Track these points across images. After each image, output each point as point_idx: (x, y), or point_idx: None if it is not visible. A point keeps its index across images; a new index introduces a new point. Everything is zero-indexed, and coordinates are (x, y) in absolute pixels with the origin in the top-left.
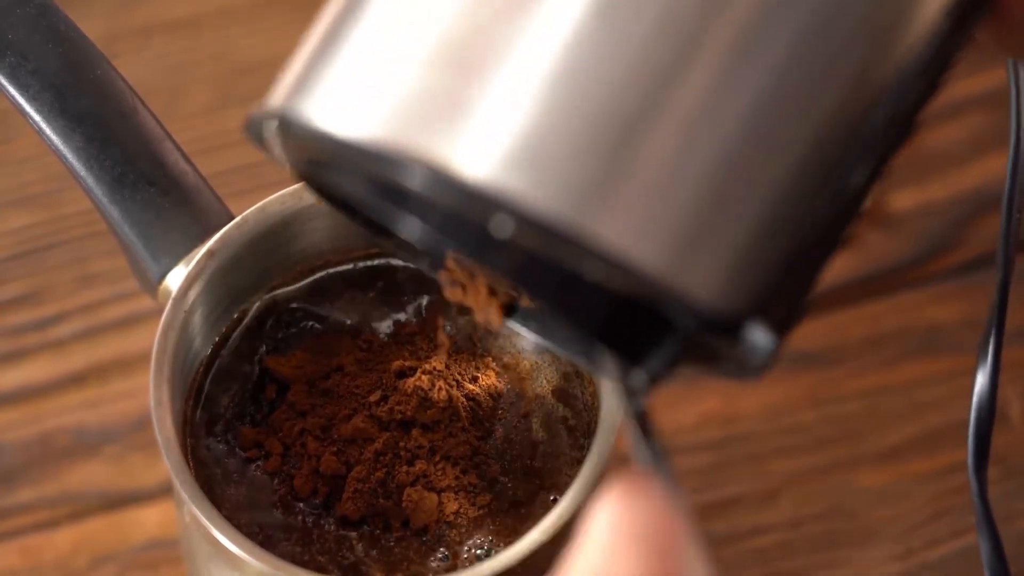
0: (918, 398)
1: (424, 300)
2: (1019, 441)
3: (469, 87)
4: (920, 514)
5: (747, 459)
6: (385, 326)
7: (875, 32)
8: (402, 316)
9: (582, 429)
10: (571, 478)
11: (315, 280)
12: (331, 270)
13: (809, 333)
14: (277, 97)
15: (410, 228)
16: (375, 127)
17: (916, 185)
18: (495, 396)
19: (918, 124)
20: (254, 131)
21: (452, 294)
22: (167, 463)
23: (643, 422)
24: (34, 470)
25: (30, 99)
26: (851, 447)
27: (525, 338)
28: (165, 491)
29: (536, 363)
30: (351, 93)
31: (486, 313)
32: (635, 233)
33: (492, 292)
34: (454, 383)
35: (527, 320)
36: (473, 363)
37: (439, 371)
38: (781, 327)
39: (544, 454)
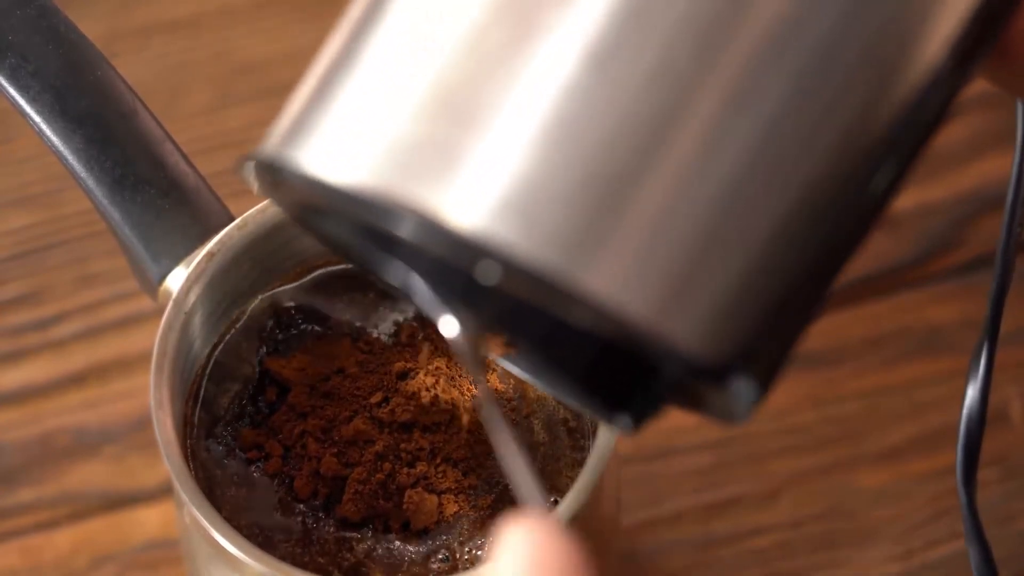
0: (918, 398)
1: None
2: (1019, 441)
3: (459, 137)
4: (920, 514)
5: (747, 459)
6: (385, 327)
7: (865, 104)
8: (402, 317)
9: (582, 431)
10: (571, 480)
11: (315, 281)
12: (331, 271)
13: (809, 333)
14: (270, 142)
15: (399, 274)
16: (364, 174)
17: (916, 185)
18: (496, 398)
19: (910, 173)
20: (246, 174)
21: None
22: (167, 465)
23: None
24: (34, 470)
25: (30, 100)
26: (851, 447)
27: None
28: (165, 491)
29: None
30: (341, 140)
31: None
32: (622, 281)
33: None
34: (455, 385)
35: (519, 358)
36: None
37: (440, 373)
38: (766, 377)
39: (545, 456)
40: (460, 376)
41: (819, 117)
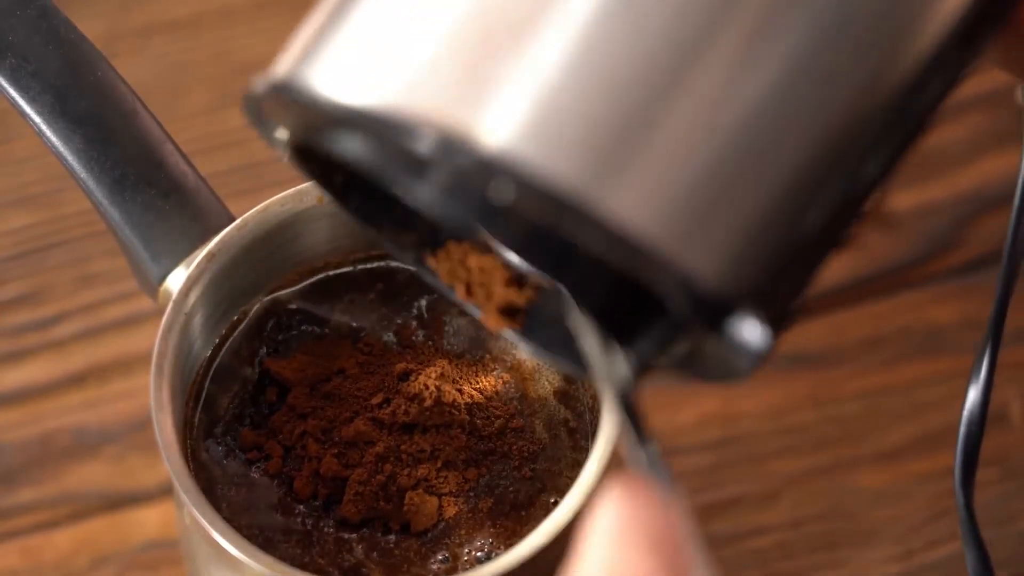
0: (918, 398)
1: (425, 302)
2: (1019, 441)
3: (484, 57)
4: (920, 515)
5: (747, 459)
6: (386, 328)
7: (890, 29)
8: (403, 318)
9: (583, 431)
10: (572, 480)
11: (315, 282)
12: (331, 272)
13: (809, 333)
14: (283, 66)
15: (414, 196)
16: (386, 93)
17: (916, 185)
18: (497, 399)
19: (927, 127)
20: (254, 102)
21: (453, 286)
22: (167, 466)
23: (637, 423)
24: (34, 470)
25: (30, 101)
26: (851, 447)
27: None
28: (165, 491)
29: (538, 365)
30: (362, 59)
31: (487, 312)
32: (637, 204)
33: (488, 288)
34: (456, 386)
35: (525, 330)
36: (475, 365)
37: (441, 374)
38: (774, 321)
39: (545, 456)
40: (462, 378)
41: (844, 52)
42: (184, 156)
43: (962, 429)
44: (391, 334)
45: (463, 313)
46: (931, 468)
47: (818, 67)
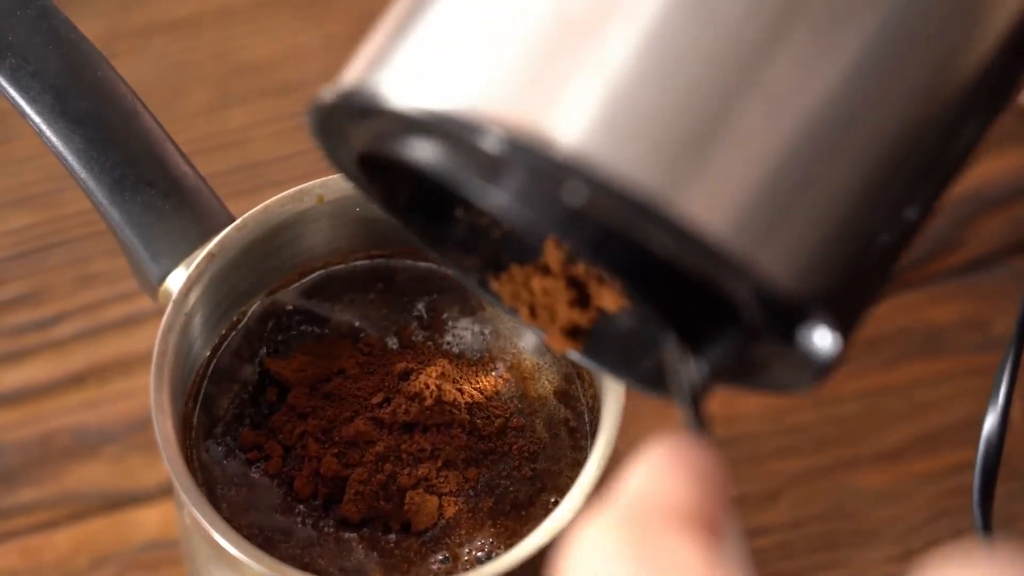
0: (918, 398)
1: (425, 302)
2: (1019, 441)
3: (556, 57)
4: (920, 515)
5: (747, 459)
6: (386, 328)
7: (970, 34)
8: (403, 318)
9: (583, 431)
10: (572, 480)
11: (315, 282)
12: (331, 272)
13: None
14: (351, 75)
15: (488, 201)
16: (459, 95)
17: None
18: (497, 398)
19: (990, 130)
20: (322, 114)
21: (517, 308)
22: (167, 466)
23: (698, 410)
24: (34, 470)
25: (31, 101)
26: (851, 448)
27: (526, 338)
28: (165, 491)
29: (538, 364)
30: (433, 63)
31: (551, 334)
32: (712, 206)
33: (552, 310)
34: (456, 385)
35: (588, 350)
36: (475, 365)
37: (441, 373)
38: (845, 325)
39: (545, 456)
40: (462, 378)
41: (917, 53)
42: (184, 156)
43: (980, 455)
44: (391, 334)
45: (463, 313)
46: (931, 468)
47: (891, 64)
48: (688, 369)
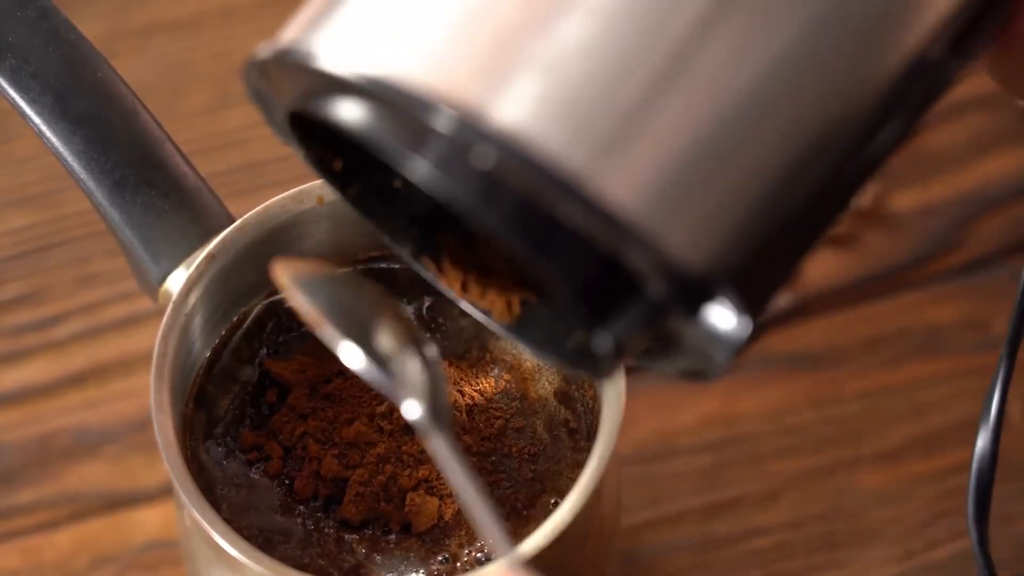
0: (918, 399)
1: (425, 303)
2: (1019, 441)
3: (490, 33)
4: (920, 515)
5: (747, 460)
6: None
7: (880, 26)
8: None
9: (583, 432)
10: (572, 481)
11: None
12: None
13: (809, 334)
14: (288, 34)
15: (408, 169)
16: (390, 62)
17: (916, 185)
18: (497, 400)
19: (918, 127)
20: (256, 69)
21: (445, 276)
22: (168, 467)
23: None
24: (34, 470)
25: (31, 102)
26: (851, 448)
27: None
28: (165, 492)
29: (538, 365)
30: (370, 28)
31: (478, 306)
32: (620, 181)
33: (483, 285)
34: (456, 387)
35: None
36: (475, 367)
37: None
38: (752, 305)
39: (545, 457)
40: (462, 379)
41: (832, 46)
42: (184, 156)
43: (973, 473)
44: None
45: (463, 314)
46: (931, 468)
47: (803, 61)
48: (595, 346)
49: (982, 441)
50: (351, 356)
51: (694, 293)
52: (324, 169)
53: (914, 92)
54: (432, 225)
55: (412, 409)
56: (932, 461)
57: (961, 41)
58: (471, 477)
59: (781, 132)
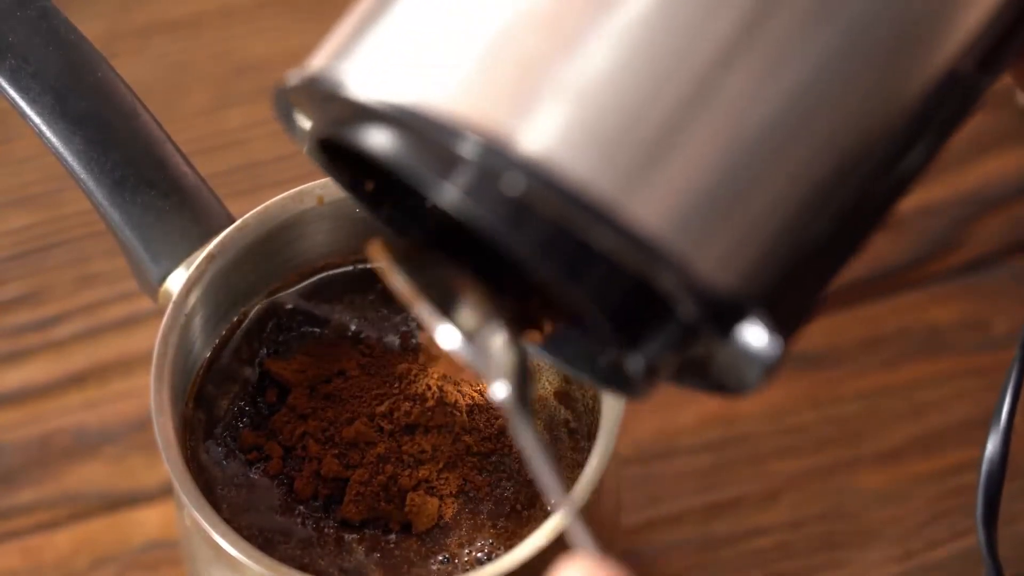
0: (918, 399)
1: None
2: (1019, 442)
3: (520, 61)
4: (920, 515)
5: (747, 460)
6: (386, 329)
7: (909, 47)
8: (403, 319)
9: (583, 432)
10: (572, 481)
11: (315, 283)
12: (331, 272)
13: (809, 334)
14: (317, 61)
15: (439, 196)
16: (416, 90)
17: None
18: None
19: (945, 145)
20: (285, 96)
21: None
22: (168, 467)
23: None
24: (34, 470)
25: (31, 102)
26: (851, 448)
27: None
28: (165, 492)
29: (538, 365)
30: (398, 57)
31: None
32: (649, 204)
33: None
34: (457, 387)
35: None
36: None
37: (443, 375)
38: (786, 325)
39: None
40: (463, 379)
41: (862, 67)
42: (184, 156)
43: (982, 476)
44: (391, 335)
45: None
46: (931, 468)
47: (832, 84)
48: (627, 367)
49: (992, 444)
50: (447, 336)
51: (725, 314)
52: (356, 191)
53: (944, 110)
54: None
55: (500, 390)
56: (932, 461)
57: (991, 57)
58: (548, 461)
59: (810, 154)
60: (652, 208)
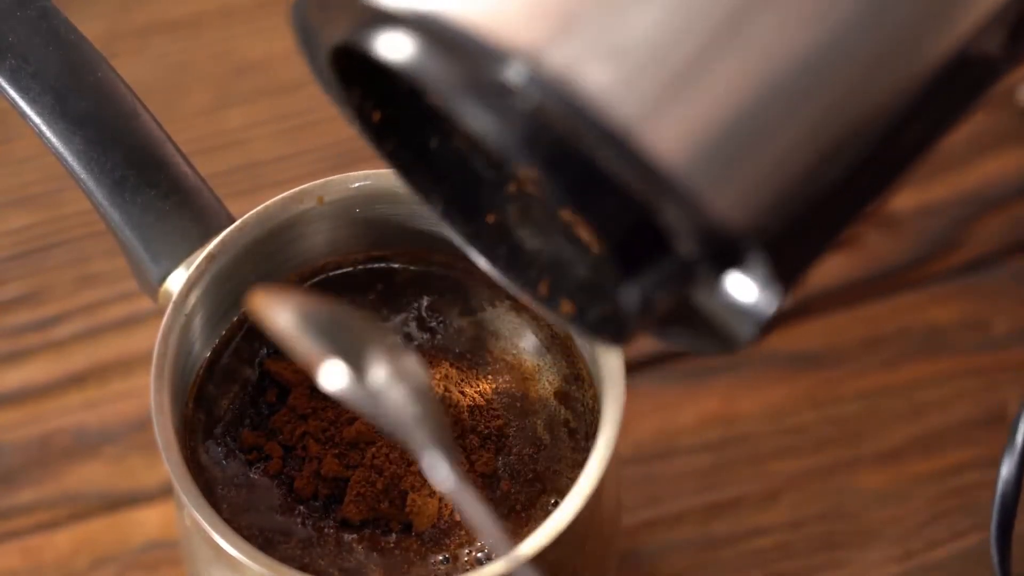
0: (918, 399)
1: (425, 302)
2: None
3: None
4: (920, 515)
5: (747, 460)
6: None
7: (942, 9)
8: (403, 319)
9: (583, 432)
10: (572, 481)
11: (315, 283)
12: (331, 273)
13: (809, 334)
14: None
15: (458, 108)
16: (454, 6)
17: (916, 185)
18: (497, 400)
19: (961, 120)
20: (304, 4)
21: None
22: (167, 467)
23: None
24: (34, 470)
25: (31, 102)
26: (851, 448)
27: (526, 339)
28: (165, 492)
29: (538, 366)
30: None
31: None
32: (666, 135)
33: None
34: (457, 387)
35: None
36: (475, 367)
37: (442, 375)
38: (783, 277)
39: (545, 457)
40: (462, 379)
41: (892, 29)
42: (184, 156)
43: (997, 498)
44: (392, 335)
45: (463, 314)
46: (931, 468)
47: (866, 31)
48: (621, 299)
49: (1007, 468)
50: (333, 376)
51: (727, 253)
52: (362, 121)
53: (967, 78)
54: (465, 189)
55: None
56: (932, 461)
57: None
58: (470, 493)
59: (834, 101)
60: (668, 137)
